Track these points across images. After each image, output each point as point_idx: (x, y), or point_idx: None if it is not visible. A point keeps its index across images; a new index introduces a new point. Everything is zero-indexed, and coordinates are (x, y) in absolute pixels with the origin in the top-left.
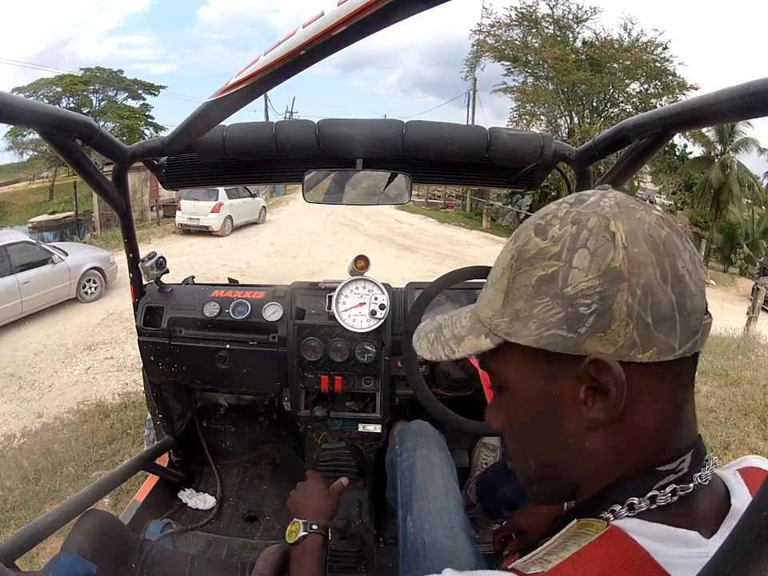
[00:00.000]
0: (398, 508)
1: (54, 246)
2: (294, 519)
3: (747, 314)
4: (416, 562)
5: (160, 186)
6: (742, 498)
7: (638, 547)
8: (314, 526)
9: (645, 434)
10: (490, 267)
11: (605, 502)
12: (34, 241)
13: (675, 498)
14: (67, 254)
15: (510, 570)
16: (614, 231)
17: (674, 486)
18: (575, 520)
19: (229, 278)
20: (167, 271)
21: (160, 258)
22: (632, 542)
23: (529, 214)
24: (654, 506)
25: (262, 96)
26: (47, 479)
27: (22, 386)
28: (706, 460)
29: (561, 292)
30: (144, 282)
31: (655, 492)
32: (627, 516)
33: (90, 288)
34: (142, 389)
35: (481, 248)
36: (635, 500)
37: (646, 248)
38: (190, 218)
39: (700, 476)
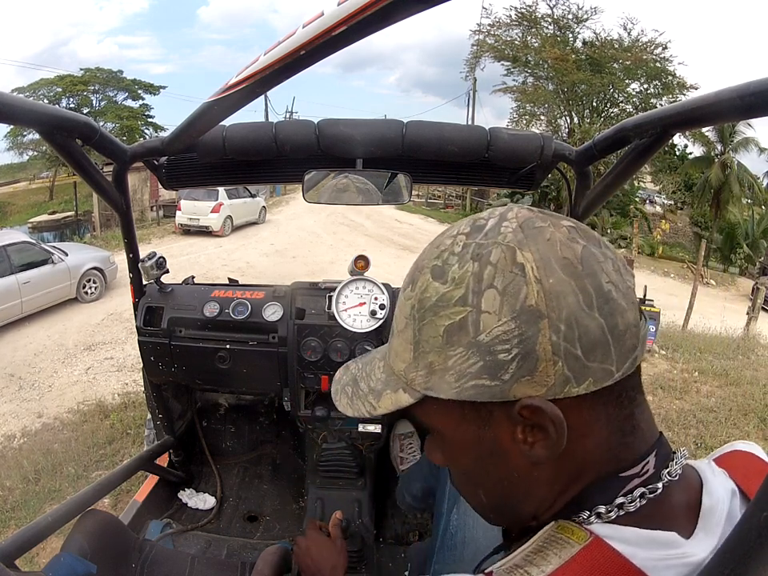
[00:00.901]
0: (442, 502)
1: (54, 246)
2: None
3: (747, 313)
4: (452, 555)
5: (160, 186)
6: (713, 492)
7: (623, 561)
8: None
9: (596, 454)
10: None
11: (573, 510)
12: (33, 241)
13: (645, 502)
14: (67, 254)
15: (485, 574)
16: (523, 263)
17: (642, 489)
18: (553, 522)
19: (229, 278)
20: (167, 271)
21: (160, 258)
22: (617, 556)
23: None
24: (623, 513)
25: (262, 96)
26: (47, 479)
27: (22, 386)
28: (674, 453)
29: (474, 340)
30: (144, 282)
31: (622, 499)
32: (597, 522)
33: (90, 288)
34: (142, 389)
35: None
36: (602, 508)
37: (562, 274)
38: (190, 218)
39: (669, 472)
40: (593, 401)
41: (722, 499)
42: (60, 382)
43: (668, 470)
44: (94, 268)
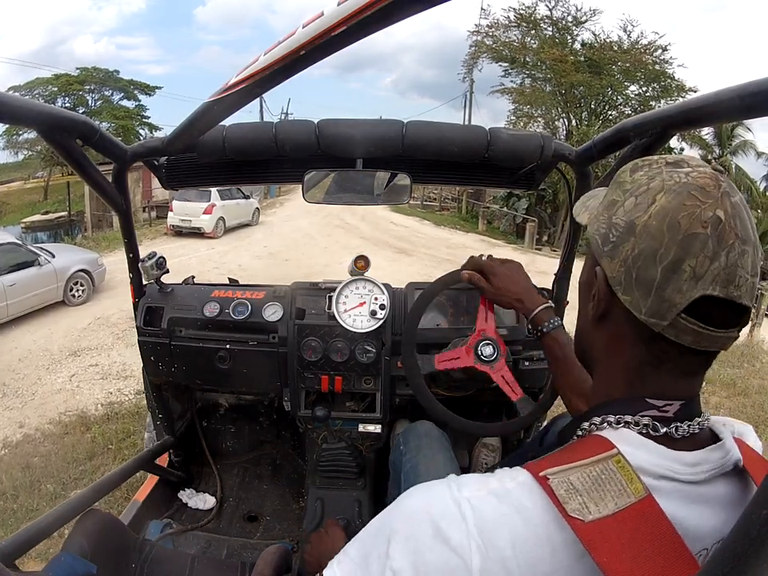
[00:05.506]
0: (399, 462)
1: (41, 248)
2: None
3: (750, 320)
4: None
5: (153, 186)
6: (727, 442)
7: (668, 528)
8: None
9: (626, 367)
10: None
11: (596, 414)
12: (20, 242)
13: (646, 432)
14: (54, 256)
15: (533, 474)
16: (656, 200)
17: (654, 421)
18: (614, 450)
19: (229, 278)
20: (167, 271)
21: (160, 258)
22: (663, 521)
23: (526, 217)
24: (638, 427)
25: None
26: (25, 497)
27: (6, 393)
28: (700, 415)
29: (610, 216)
30: (144, 282)
31: (638, 417)
32: (619, 428)
33: (78, 291)
34: (126, 398)
35: (477, 251)
36: (629, 418)
37: (664, 227)
38: (182, 220)
39: (689, 425)
40: (628, 320)
41: (732, 450)
42: (43, 389)
43: (688, 423)
44: (82, 270)
